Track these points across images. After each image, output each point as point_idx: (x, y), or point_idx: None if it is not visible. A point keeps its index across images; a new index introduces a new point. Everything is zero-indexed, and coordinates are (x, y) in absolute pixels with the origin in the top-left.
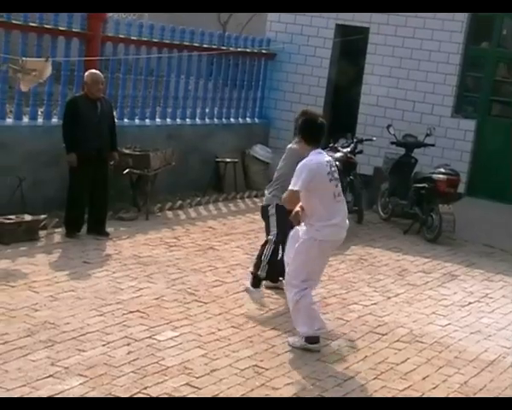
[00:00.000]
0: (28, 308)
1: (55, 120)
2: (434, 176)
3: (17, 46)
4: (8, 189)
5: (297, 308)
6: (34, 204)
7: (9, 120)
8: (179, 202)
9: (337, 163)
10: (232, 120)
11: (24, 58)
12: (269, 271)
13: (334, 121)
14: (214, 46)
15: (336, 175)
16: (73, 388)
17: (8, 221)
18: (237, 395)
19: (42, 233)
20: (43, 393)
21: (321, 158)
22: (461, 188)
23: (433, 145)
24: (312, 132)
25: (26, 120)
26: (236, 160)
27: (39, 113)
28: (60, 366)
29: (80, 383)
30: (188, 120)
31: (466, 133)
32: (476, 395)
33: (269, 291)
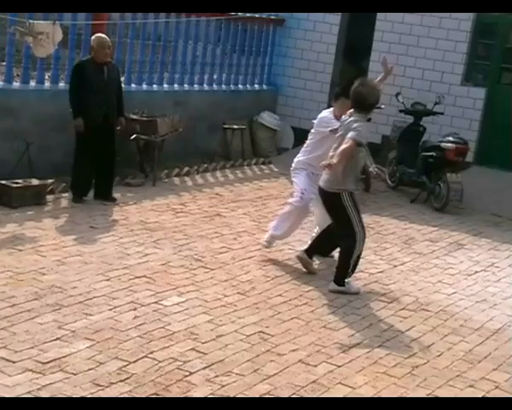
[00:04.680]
0: (35, 272)
1: (62, 84)
2: (443, 144)
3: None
4: (15, 153)
5: None
6: (41, 169)
7: (17, 84)
8: (186, 168)
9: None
10: (240, 86)
11: (31, 21)
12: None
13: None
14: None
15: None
16: (80, 351)
17: (16, 185)
18: (243, 361)
19: (49, 198)
20: (51, 355)
21: None
22: (469, 157)
23: (441, 113)
24: None
25: (33, 84)
26: (244, 126)
27: (46, 77)
28: (67, 330)
29: (87, 347)
30: (195, 85)
31: (475, 102)
32: (481, 363)
33: (277, 258)
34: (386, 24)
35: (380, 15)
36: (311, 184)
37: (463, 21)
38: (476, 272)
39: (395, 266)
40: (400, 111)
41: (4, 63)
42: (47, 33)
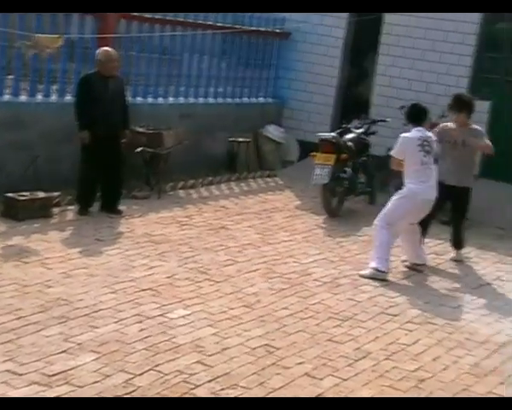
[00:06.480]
0: (41, 284)
1: (68, 97)
2: None
3: (32, 23)
4: (21, 165)
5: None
6: (48, 181)
7: (24, 97)
8: (191, 181)
9: (350, 144)
10: (245, 99)
11: (37, 35)
12: None
13: (347, 102)
14: (228, 25)
15: (428, 148)
16: (86, 364)
17: (22, 198)
18: (248, 374)
19: (55, 210)
20: (57, 368)
21: (415, 134)
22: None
23: None
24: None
25: (40, 97)
26: (249, 139)
27: (53, 90)
28: (73, 342)
29: (93, 360)
30: (201, 99)
31: (480, 115)
32: (487, 377)
33: (282, 271)
34: (392, 38)
35: (385, 28)
36: None
37: (468, 35)
38: (481, 285)
39: (400, 279)
40: (405, 125)
41: (12, 76)
42: (52, 47)
